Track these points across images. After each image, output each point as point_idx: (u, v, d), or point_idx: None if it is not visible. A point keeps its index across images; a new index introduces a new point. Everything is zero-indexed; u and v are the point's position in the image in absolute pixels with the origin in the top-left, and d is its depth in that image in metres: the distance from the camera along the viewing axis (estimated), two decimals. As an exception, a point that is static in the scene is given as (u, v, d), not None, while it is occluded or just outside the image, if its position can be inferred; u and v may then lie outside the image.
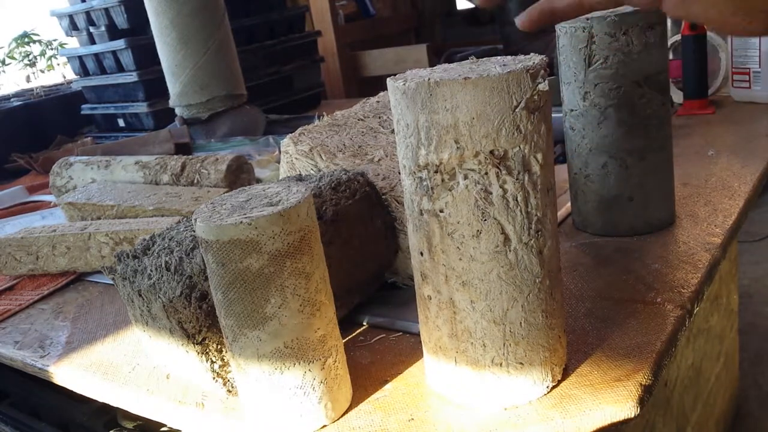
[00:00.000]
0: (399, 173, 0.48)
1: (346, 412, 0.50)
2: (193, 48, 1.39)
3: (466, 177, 0.43)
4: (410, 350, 0.57)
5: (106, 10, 1.52)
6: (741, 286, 1.85)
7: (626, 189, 0.70)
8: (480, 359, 0.47)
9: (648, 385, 0.48)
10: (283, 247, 0.44)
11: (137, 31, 1.52)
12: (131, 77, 1.52)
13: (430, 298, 0.48)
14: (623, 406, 0.46)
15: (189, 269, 0.52)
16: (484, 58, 0.47)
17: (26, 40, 1.97)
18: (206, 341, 0.52)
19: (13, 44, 1.97)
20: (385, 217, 0.65)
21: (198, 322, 0.51)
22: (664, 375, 0.66)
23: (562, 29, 0.67)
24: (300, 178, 0.66)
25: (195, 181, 0.96)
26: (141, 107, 1.55)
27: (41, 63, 2.01)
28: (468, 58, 0.48)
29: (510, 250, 0.44)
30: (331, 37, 2.26)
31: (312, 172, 0.71)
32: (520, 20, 0.48)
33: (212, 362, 0.53)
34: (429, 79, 0.41)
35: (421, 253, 0.47)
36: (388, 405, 0.50)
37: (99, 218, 0.92)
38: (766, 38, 1.08)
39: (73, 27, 1.63)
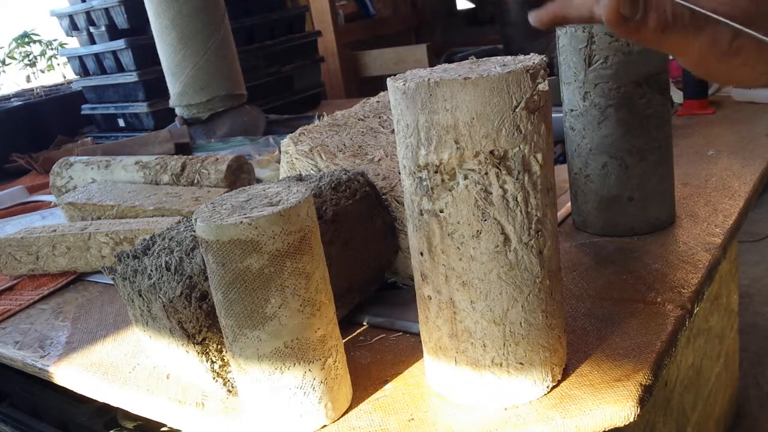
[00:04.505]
0: (399, 173, 0.48)
1: (346, 412, 0.50)
2: (193, 48, 1.39)
3: (466, 177, 0.43)
4: (410, 350, 0.57)
5: (106, 10, 1.52)
6: (741, 286, 1.85)
7: (626, 189, 0.70)
8: (480, 359, 0.47)
9: (648, 385, 0.48)
10: (283, 247, 0.44)
11: (137, 31, 1.52)
12: (131, 77, 1.52)
13: (430, 298, 0.48)
14: (623, 406, 0.46)
15: (189, 269, 0.52)
16: (484, 58, 0.47)
17: (26, 40, 1.97)
18: (206, 341, 0.52)
19: (13, 44, 1.97)
20: (385, 217, 0.65)
21: (198, 322, 0.51)
22: (664, 375, 0.66)
23: (563, 29, 0.67)
24: (300, 178, 0.66)
25: (195, 181, 0.96)
26: (141, 107, 1.55)
27: (41, 63, 2.01)
28: (468, 58, 0.48)
29: (510, 250, 0.44)
30: (331, 37, 2.26)
31: (312, 172, 0.71)
32: (534, 17, 0.50)
33: (212, 362, 0.53)
34: (429, 79, 0.41)
35: (421, 253, 0.47)
36: (388, 405, 0.50)
37: (99, 218, 0.92)
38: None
39: (73, 27, 1.63)
